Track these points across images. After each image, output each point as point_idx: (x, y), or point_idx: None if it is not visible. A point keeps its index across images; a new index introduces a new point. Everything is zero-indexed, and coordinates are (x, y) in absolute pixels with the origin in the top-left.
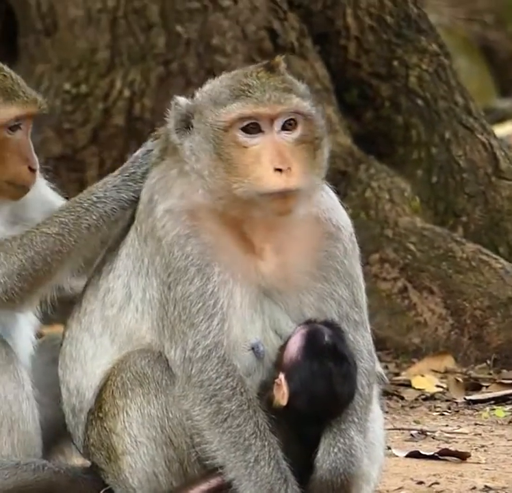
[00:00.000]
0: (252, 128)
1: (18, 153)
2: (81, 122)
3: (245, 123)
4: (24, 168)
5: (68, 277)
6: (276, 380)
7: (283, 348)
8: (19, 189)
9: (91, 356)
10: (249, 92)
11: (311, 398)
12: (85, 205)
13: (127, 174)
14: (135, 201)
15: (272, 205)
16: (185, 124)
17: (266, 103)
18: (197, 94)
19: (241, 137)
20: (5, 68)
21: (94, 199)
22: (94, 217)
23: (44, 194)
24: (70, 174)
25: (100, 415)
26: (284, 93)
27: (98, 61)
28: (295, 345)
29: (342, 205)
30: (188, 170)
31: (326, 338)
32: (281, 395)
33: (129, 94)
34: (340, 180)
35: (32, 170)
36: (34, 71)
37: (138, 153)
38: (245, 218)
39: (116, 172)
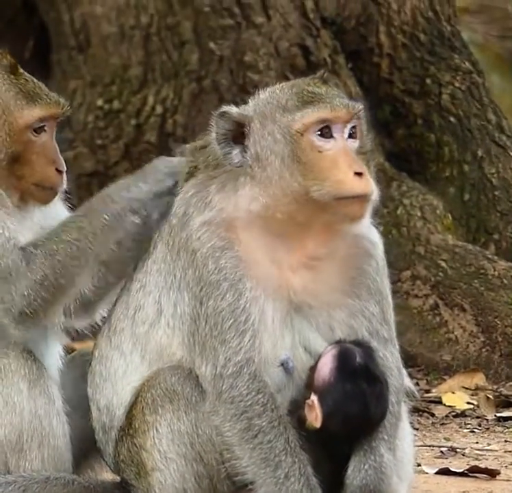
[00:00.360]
0: (326, 132)
1: (44, 155)
2: (114, 138)
3: (320, 127)
4: (51, 169)
5: (89, 283)
6: (308, 401)
7: (313, 368)
8: (47, 191)
9: (121, 374)
10: (321, 97)
11: (345, 420)
12: (98, 207)
13: (139, 177)
14: (146, 202)
15: (348, 209)
16: (236, 134)
17: (341, 108)
18: (250, 105)
19: (317, 141)
20: (26, 73)
21: (106, 200)
22: (107, 217)
23: (61, 215)
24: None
25: (131, 431)
26: (347, 100)
27: (131, 78)
28: (327, 366)
29: (373, 224)
30: (242, 180)
31: (358, 358)
32: (314, 417)
33: (161, 111)
34: None
35: (59, 172)
36: (67, 87)
37: (159, 162)
38: (303, 227)
39: (129, 176)
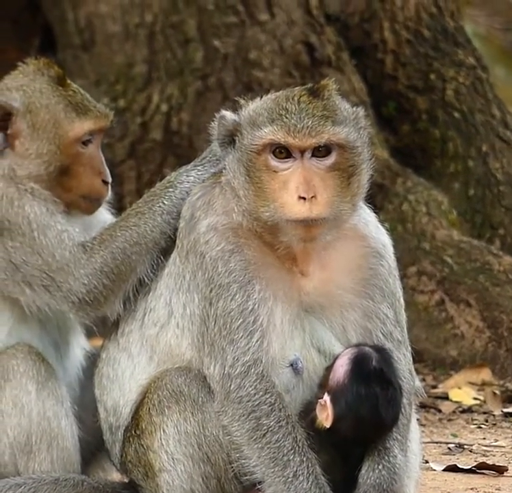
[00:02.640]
0: (280, 152)
1: (91, 166)
2: (119, 137)
3: (274, 148)
4: (98, 181)
5: (148, 270)
6: (321, 400)
7: (328, 369)
8: (93, 202)
9: (128, 376)
10: (285, 117)
11: (356, 422)
12: (158, 191)
13: (198, 161)
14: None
15: (296, 232)
16: (230, 140)
17: (296, 134)
18: (243, 111)
19: (273, 161)
20: (73, 84)
21: (166, 185)
22: (167, 202)
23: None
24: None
25: (137, 432)
26: (320, 122)
27: (136, 76)
28: (342, 368)
29: (380, 223)
30: (227, 187)
31: (374, 363)
32: (325, 417)
33: (166, 109)
34: (377, 193)
35: (105, 183)
36: None
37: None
38: (275, 242)
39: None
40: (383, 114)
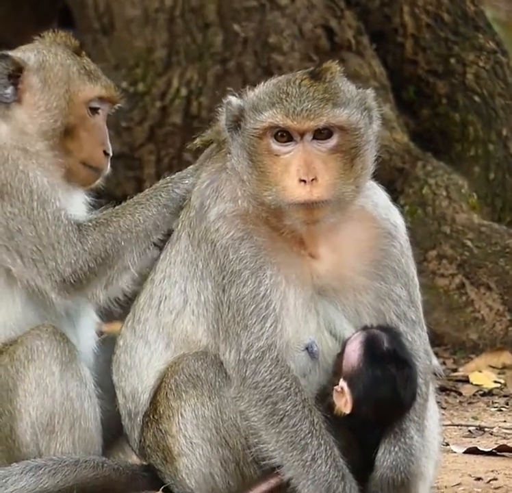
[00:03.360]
0: (282, 136)
1: (94, 135)
2: (139, 121)
3: (275, 131)
4: (99, 150)
5: (136, 260)
6: (336, 387)
7: (340, 355)
8: (91, 172)
9: (146, 363)
10: (285, 101)
11: (375, 405)
12: (159, 185)
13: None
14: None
15: (298, 215)
16: (236, 125)
17: (295, 116)
18: (247, 96)
19: (274, 145)
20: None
21: (169, 180)
22: (164, 195)
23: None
24: (127, 172)
25: (156, 417)
26: (320, 105)
27: (155, 60)
28: (355, 353)
29: (393, 203)
30: (233, 173)
31: (386, 344)
32: (344, 403)
33: (186, 93)
34: (397, 177)
35: (106, 154)
36: None
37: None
38: (280, 226)
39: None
40: (403, 99)
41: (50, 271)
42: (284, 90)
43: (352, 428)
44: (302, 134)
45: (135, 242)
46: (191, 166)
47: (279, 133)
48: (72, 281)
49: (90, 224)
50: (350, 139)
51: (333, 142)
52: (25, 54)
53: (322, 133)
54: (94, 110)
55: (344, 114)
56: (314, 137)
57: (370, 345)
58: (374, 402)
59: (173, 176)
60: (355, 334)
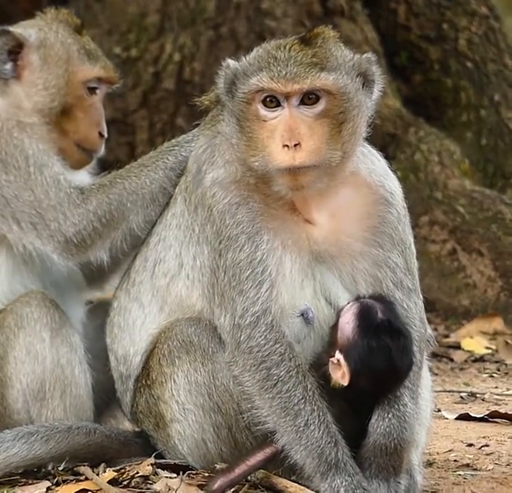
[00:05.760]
0: (271, 101)
1: (91, 115)
2: (132, 86)
3: (263, 96)
4: (94, 131)
5: (141, 222)
6: (332, 359)
7: (335, 327)
8: (85, 154)
9: (139, 325)
10: (273, 65)
11: (372, 376)
12: (164, 148)
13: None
14: None
15: (283, 180)
16: (230, 89)
17: (280, 79)
18: (242, 59)
19: (262, 110)
20: (88, 37)
21: (174, 142)
22: (171, 158)
23: None
24: (120, 137)
25: (148, 382)
26: (307, 69)
27: (148, 26)
28: (349, 325)
29: (391, 170)
30: (225, 138)
31: (380, 314)
32: (341, 375)
33: (178, 58)
34: (389, 143)
35: (101, 136)
36: None
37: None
38: (269, 192)
39: None
40: (396, 64)
41: (53, 232)
42: (273, 55)
43: (347, 398)
44: (288, 98)
45: (141, 204)
46: (196, 129)
47: (267, 99)
48: (75, 241)
49: (93, 186)
50: (338, 104)
51: (320, 107)
52: (26, 30)
53: (309, 99)
54: (91, 90)
55: (331, 78)
56: (302, 103)
57: (364, 316)
58: (370, 374)
59: (179, 139)
60: (348, 305)
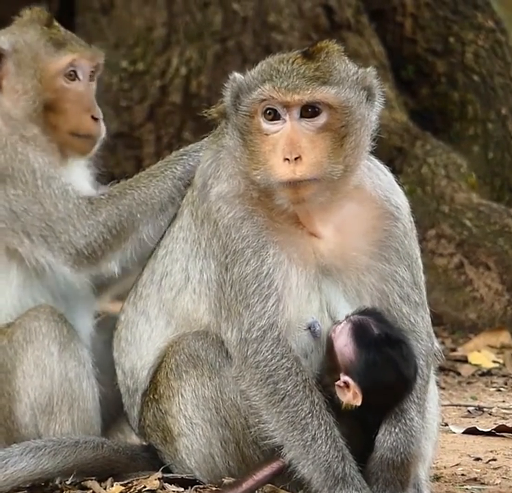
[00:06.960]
0: (270, 114)
1: (78, 102)
2: (138, 100)
3: (265, 108)
4: (86, 117)
5: (151, 233)
6: (338, 383)
7: (330, 351)
8: (84, 140)
9: (146, 339)
10: (275, 77)
11: (383, 389)
12: (172, 158)
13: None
14: None
15: (284, 193)
16: (235, 102)
17: (281, 89)
18: (247, 73)
19: (264, 124)
20: (60, 26)
21: (182, 152)
22: (179, 168)
23: None
24: (127, 151)
25: (156, 397)
26: (308, 82)
27: (155, 39)
28: (348, 347)
29: (398, 184)
30: (229, 151)
31: (374, 328)
32: (352, 396)
33: (185, 72)
34: (396, 156)
35: (95, 119)
36: None
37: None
38: (272, 205)
39: None
40: (402, 77)
41: (63, 244)
42: (275, 68)
43: (355, 413)
44: (289, 110)
45: (150, 215)
46: (205, 139)
47: (267, 111)
48: (86, 253)
49: (102, 197)
50: (340, 118)
51: (321, 120)
52: (0, 39)
53: (309, 111)
54: (70, 77)
55: (332, 91)
56: (302, 116)
57: (360, 334)
58: (381, 388)
59: (187, 148)
60: (338, 327)
